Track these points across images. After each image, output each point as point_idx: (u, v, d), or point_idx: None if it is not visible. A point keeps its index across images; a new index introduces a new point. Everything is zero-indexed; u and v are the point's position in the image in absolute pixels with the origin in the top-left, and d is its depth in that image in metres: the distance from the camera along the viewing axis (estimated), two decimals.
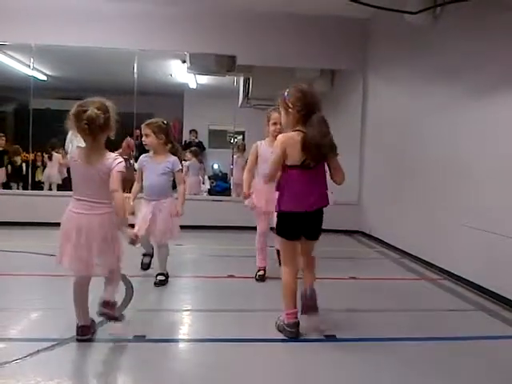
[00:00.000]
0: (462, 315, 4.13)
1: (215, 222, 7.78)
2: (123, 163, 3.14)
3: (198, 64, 8.77)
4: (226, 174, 11.84)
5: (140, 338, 3.31)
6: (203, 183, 10.74)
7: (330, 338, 3.44)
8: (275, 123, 4.63)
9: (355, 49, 7.93)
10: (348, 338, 3.46)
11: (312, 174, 3.36)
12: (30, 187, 8.49)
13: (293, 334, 3.39)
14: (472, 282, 4.81)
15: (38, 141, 9.08)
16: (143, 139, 4.56)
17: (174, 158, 4.58)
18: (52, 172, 10.11)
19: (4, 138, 9.66)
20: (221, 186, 11.45)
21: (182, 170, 4.69)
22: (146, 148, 4.63)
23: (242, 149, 10.15)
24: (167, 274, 4.68)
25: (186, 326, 3.72)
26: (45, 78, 10.80)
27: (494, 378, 2.95)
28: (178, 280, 4.82)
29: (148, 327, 3.53)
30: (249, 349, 3.28)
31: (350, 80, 8.53)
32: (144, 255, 5.03)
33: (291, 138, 3.35)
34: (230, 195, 9.72)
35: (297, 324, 3.41)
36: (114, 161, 3.08)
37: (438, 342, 3.45)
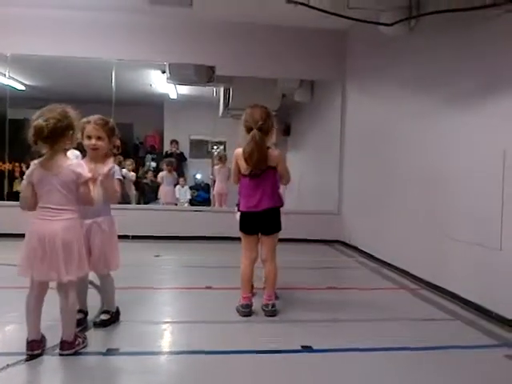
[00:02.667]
0: (439, 325, 4.14)
1: (195, 232, 7.73)
2: (84, 168, 3.16)
3: (178, 74, 8.79)
4: (208, 185, 11.82)
5: (113, 351, 3.27)
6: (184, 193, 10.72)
7: (307, 349, 3.43)
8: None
9: (334, 59, 7.99)
10: (324, 349, 3.45)
11: (258, 181, 4.03)
12: (5, 198, 8.38)
13: (245, 313, 4.07)
14: (450, 292, 4.83)
15: (16, 151, 8.97)
16: (92, 142, 3.56)
17: (113, 165, 3.62)
18: None
19: None
20: (202, 196, 11.43)
21: (120, 180, 3.78)
22: (92, 154, 3.62)
23: (224, 159, 10.15)
24: (114, 312, 3.84)
25: (163, 337, 3.67)
26: (23, 87, 10.74)
27: None
28: (155, 292, 4.77)
29: (123, 339, 3.49)
30: (223, 360, 3.25)
31: (330, 90, 8.58)
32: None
33: (239, 151, 4.03)
34: (210, 205, 9.72)
35: (249, 305, 4.10)
36: (77, 168, 3.10)
37: (412, 352, 3.45)
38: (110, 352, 3.26)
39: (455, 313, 4.43)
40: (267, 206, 4.06)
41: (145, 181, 10.84)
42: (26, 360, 3.05)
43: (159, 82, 10.03)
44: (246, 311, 4.08)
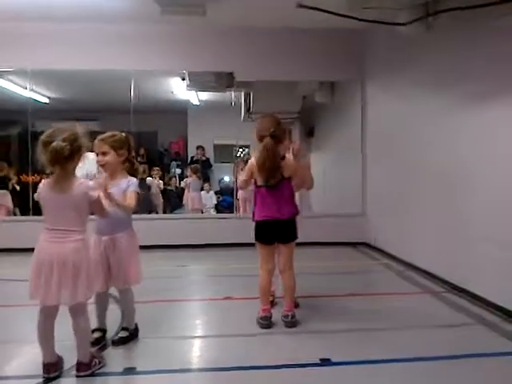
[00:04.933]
0: (463, 331, 4.03)
1: (220, 239, 7.68)
2: (95, 187, 3.16)
3: (197, 81, 8.81)
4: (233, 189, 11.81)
5: (130, 370, 3.27)
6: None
7: (325, 362, 3.37)
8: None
9: (353, 60, 7.86)
10: (342, 362, 3.39)
11: (275, 191, 3.99)
12: (31, 209, 8.45)
13: (264, 325, 4.03)
14: (476, 295, 4.71)
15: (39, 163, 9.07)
16: (99, 158, 3.62)
17: (130, 178, 3.65)
18: None
19: (5, 164, 9.59)
20: (227, 200, 11.41)
21: (138, 192, 3.66)
22: (102, 169, 3.71)
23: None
24: (133, 330, 3.82)
25: (181, 354, 3.63)
26: (46, 100, 10.92)
27: None
28: (176, 305, 4.76)
29: (140, 357, 3.49)
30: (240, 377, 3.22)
31: (350, 91, 8.46)
32: (94, 330, 3.71)
33: (253, 162, 4.01)
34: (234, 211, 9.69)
35: (268, 317, 4.06)
36: (87, 188, 3.09)
37: (435, 362, 3.37)
38: (126, 371, 3.28)
39: (480, 317, 4.31)
40: (285, 217, 4.02)
41: (169, 188, 10.88)
42: (44, 383, 3.06)
43: (180, 89, 10.06)
44: (265, 323, 4.05)
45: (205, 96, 10.73)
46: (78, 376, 3.14)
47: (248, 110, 9.81)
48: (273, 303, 4.48)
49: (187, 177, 10.28)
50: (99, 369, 3.24)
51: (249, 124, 10.57)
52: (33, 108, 8.54)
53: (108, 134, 3.69)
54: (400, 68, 6.50)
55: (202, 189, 10.48)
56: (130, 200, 3.56)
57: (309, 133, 10.66)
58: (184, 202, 9.99)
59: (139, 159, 10.96)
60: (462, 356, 3.46)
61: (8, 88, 9.02)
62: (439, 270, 5.44)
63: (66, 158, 3.00)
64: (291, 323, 4.05)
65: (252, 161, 4.07)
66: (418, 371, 3.26)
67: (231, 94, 9.79)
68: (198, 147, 11.81)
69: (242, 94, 9.79)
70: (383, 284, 5.67)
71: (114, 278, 3.64)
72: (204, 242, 7.63)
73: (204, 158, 11.73)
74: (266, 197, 4.03)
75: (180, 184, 10.64)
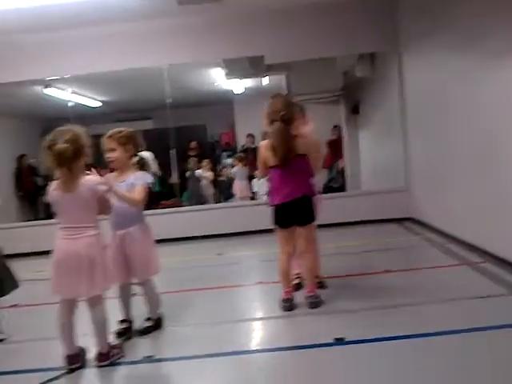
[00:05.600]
0: (494, 302, 3.82)
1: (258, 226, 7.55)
2: (101, 182, 3.27)
3: (234, 69, 8.83)
4: None
5: (150, 358, 3.36)
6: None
7: (340, 342, 3.32)
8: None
9: (385, 28, 7.53)
10: (358, 340, 3.32)
11: (288, 171, 3.93)
12: None
13: (286, 307, 4.02)
14: None
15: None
16: (107, 155, 3.71)
17: (137, 173, 3.74)
18: None
19: None
20: None
21: (147, 185, 3.72)
22: (112, 166, 3.78)
23: None
24: (158, 319, 3.91)
25: (218, 338, 3.65)
26: (99, 104, 11.29)
27: None
28: (206, 293, 4.83)
29: (161, 345, 3.59)
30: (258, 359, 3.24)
31: (390, 62, 8.15)
32: (121, 321, 3.86)
33: (264, 144, 4.04)
34: None
35: (290, 299, 4.05)
36: (94, 184, 3.21)
37: (458, 335, 3.24)
38: (146, 359, 3.35)
39: None
40: (300, 195, 3.96)
41: (221, 178, 10.99)
42: (66, 373, 3.20)
43: (223, 80, 10.10)
44: (287, 305, 4.03)
45: (248, 83, 10.73)
46: (97, 366, 3.27)
47: (288, 92, 9.72)
48: (301, 285, 4.46)
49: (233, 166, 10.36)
50: (118, 359, 3.34)
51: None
52: (85, 113, 8.87)
53: (115, 130, 3.76)
54: (436, 32, 6.10)
55: (252, 176, 10.50)
56: (137, 194, 3.64)
57: (353, 110, 10.43)
58: (233, 191, 10.06)
59: (190, 153, 11.17)
60: (486, 328, 3.29)
61: (58, 96, 9.39)
62: (481, 242, 5.18)
63: (71, 159, 3.11)
64: (314, 304, 4.02)
65: (263, 144, 4.06)
66: (436, 345, 3.14)
67: (276, 78, 9.79)
68: (248, 135, 11.81)
69: (283, 77, 9.77)
70: (422, 259, 5.47)
71: (133, 271, 3.74)
72: (251, 229, 7.59)
73: (254, 146, 11.74)
74: (280, 177, 3.99)
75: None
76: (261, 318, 4.06)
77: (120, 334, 3.73)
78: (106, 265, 3.26)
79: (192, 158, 10.67)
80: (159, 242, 3.96)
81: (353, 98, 10.45)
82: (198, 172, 10.15)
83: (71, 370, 3.23)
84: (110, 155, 3.72)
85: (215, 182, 10.70)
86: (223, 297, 4.71)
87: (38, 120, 11.02)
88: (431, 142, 6.62)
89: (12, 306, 4.59)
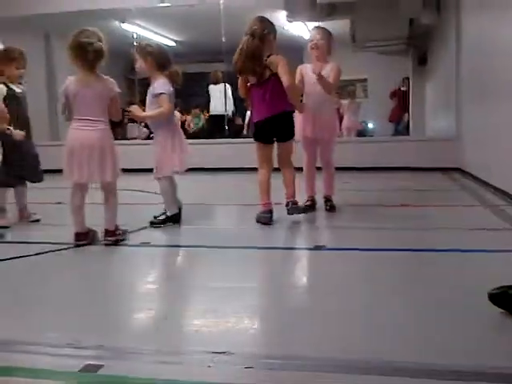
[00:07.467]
0: (493, 233, 3.76)
1: None
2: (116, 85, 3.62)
3: (295, 11, 8.79)
4: None
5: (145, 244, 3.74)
6: None
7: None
8: (312, 40, 4.59)
9: None
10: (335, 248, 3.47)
11: (265, 88, 4.02)
12: None
13: (267, 218, 4.09)
14: None
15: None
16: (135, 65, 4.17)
17: (159, 81, 4.05)
18: None
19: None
20: None
21: (165, 94, 4.00)
22: (139, 76, 4.36)
23: (353, 95, 10.02)
24: (172, 215, 4.22)
25: (215, 237, 3.93)
26: (173, 43, 11.64)
27: None
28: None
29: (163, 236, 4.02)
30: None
31: (454, 7, 7.78)
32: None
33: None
34: None
35: (269, 211, 4.12)
36: (111, 84, 3.58)
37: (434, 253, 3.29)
38: (142, 244, 3.72)
39: None
40: (277, 112, 4.05)
41: None
42: (75, 247, 3.60)
43: (292, 25, 10.06)
44: (267, 216, 4.11)
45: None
46: (104, 242, 3.63)
47: (353, 39, 9.61)
48: (314, 207, 4.62)
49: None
50: (122, 240, 3.70)
51: (358, 55, 10.42)
52: None
53: (140, 43, 4.31)
54: None
55: None
56: (163, 104, 3.99)
57: (421, 61, 10.14)
58: None
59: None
60: (473, 250, 3.28)
61: (134, 31, 9.81)
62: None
63: (101, 57, 3.48)
64: (292, 209, 4.12)
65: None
66: (410, 259, 3.22)
67: (343, 24, 9.63)
68: None
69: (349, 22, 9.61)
70: (446, 199, 5.40)
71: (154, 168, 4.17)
72: None
73: None
74: (258, 95, 4.10)
75: None
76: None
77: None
78: (115, 156, 3.60)
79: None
80: None
81: (421, 48, 10.16)
82: None
83: (78, 246, 3.60)
84: (135, 66, 4.15)
85: None
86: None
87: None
88: (485, 92, 6.29)
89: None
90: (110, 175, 3.56)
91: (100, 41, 3.46)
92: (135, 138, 10.32)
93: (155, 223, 4.18)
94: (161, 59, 4.10)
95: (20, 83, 4.38)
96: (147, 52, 4.07)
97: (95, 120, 3.52)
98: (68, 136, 3.58)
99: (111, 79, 3.63)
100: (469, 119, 7.09)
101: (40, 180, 4.49)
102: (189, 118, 11.55)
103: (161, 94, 3.99)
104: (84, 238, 3.65)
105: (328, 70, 4.42)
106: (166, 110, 4.03)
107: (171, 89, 4.08)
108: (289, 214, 4.14)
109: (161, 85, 4.02)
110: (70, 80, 3.56)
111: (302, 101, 4.53)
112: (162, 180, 4.17)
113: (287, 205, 4.15)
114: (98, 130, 3.53)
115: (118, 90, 3.62)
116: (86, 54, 3.42)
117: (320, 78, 4.24)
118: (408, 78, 11.24)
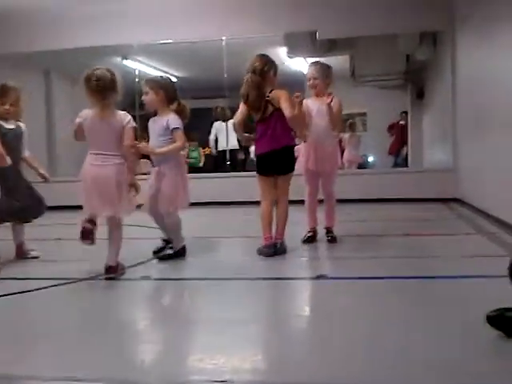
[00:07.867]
0: (487, 260, 3.86)
1: None
2: (132, 119, 3.68)
3: (295, 47, 9.04)
4: None
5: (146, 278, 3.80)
6: None
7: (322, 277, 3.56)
8: (309, 78, 4.71)
9: (440, 7, 7.50)
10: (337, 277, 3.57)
11: (267, 124, 4.16)
12: None
13: (268, 252, 4.14)
14: None
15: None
16: (142, 98, 4.20)
17: (171, 116, 4.11)
18: None
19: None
20: None
21: (179, 128, 4.09)
22: (147, 109, 4.28)
23: (354, 127, 10.22)
24: (179, 249, 4.26)
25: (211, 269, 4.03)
26: (175, 79, 11.85)
27: None
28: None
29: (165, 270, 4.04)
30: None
31: (448, 44, 8.01)
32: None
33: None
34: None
35: (270, 245, 4.17)
36: (126, 117, 3.63)
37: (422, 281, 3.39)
38: (144, 278, 3.76)
39: None
40: (278, 147, 4.16)
41: None
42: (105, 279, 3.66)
43: (292, 60, 10.28)
44: (271, 251, 4.16)
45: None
46: (106, 277, 3.66)
47: (352, 73, 9.85)
48: (315, 236, 4.72)
49: None
50: (122, 274, 3.74)
51: (358, 89, 10.64)
52: None
53: (150, 76, 4.48)
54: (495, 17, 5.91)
55: None
56: (178, 138, 4.07)
57: (418, 94, 10.37)
58: None
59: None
60: (472, 276, 3.40)
61: (136, 68, 10.01)
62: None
63: (109, 87, 3.54)
64: (276, 250, 4.19)
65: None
66: (397, 287, 3.28)
67: (341, 60, 9.88)
68: None
69: (348, 58, 9.88)
70: (445, 228, 5.52)
71: (161, 202, 4.11)
72: None
73: None
74: (261, 130, 4.23)
75: None
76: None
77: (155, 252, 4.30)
78: (124, 191, 3.63)
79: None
80: None
81: (418, 82, 10.40)
82: None
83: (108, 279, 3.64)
84: (143, 97, 4.18)
85: None
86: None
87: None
88: (481, 122, 6.43)
89: None
90: (123, 210, 3.63)
91: (108, 71, 3.54)
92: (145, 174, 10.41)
93: (163, 258, 4.22)
94: (171, 93, 4.19)
95: (19, 120, 4.35)
96: (160, 85, 4.14)
97: (110, 155, 3.59)
98: (82, 171, 3.65)
99: (127, 114, 3.68)
100: (465, 151, 7.26)
101: (34, 217, 4.43)
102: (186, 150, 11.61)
103: (176, 128, 4.07)
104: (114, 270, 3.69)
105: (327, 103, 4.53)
106: (183, 144, 4.15)
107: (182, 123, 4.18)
108: (270, 255, 4.17)
109: (175, 120, 4.09)
110: (87, 113, 3.64)
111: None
112: (174, 214, 4.19)
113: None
114: (113, 165, 3.59)
115: (132, 123, 3.66)
116: (90, 83, 3.51)
117: (330, 107, 4.45)
118: (406, 112, 11.43)
